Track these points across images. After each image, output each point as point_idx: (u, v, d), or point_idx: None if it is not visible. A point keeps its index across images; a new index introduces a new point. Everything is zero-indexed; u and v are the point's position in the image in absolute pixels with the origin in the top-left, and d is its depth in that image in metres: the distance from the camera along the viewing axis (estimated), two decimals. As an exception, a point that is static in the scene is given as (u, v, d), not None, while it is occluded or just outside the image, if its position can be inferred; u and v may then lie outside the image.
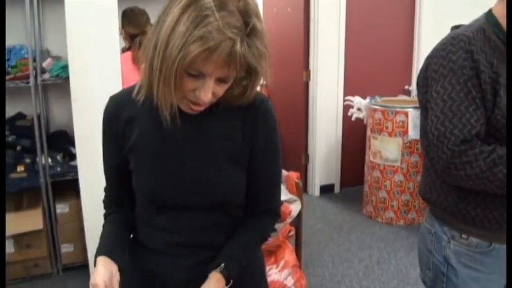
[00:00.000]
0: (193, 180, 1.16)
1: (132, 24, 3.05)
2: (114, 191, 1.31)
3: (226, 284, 1.15)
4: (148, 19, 3.12)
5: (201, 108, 1.09)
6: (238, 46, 0.93)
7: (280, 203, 1.35)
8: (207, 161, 1.16)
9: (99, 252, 1.16)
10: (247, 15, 0.96)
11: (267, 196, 1.28)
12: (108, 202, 1.34)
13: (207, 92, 1.01)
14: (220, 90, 1.05)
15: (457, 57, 1.32)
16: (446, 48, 1.35)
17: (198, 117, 1.13)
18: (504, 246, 1.40)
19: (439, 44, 1.41)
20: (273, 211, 1.31)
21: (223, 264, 1.16)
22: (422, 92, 1.45)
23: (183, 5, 0.93)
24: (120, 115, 1.19)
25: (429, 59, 1.43)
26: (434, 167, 1.37)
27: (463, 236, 1.43)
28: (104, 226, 1.29)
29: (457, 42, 1.33)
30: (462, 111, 1.29)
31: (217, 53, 0.93)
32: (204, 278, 1.15)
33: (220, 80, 1.02)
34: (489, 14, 1.39)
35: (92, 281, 1.07)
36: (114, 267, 1.13)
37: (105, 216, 1.33)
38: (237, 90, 1.10)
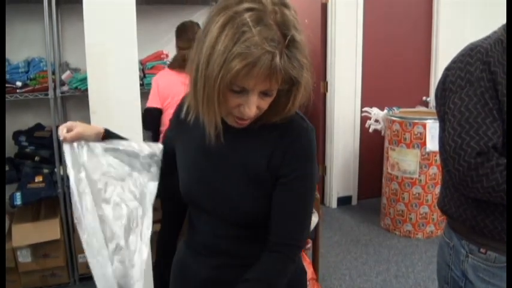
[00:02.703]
0: (216, 191, 1.21)
1: (181, 38, 3.06)
2: None
3: None
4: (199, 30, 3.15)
5: (247, 122, 1.11)
6: (277, 59, 0.94)
7: (297, 244, 1.19)
8: (229, 176, 1.19)
9: None
10: (285, 27, 0.97)
11: (278, 228, 1.17)
12: None
13: (252, 107, 1.03)
14: (265, 103, 1.06)
15: (475, 69, 1.31)
16: (464, 60, 1.35)
17: (236, 133, 1.15)
18: None
19: (457, 55, 1.40)
20: (283, 250, 1.17)
21: None
22: (440, 104, 1.44)
23: (220, 25, 0.96)
24: (179, 115, 1.27)
25: (447, 70, 1.42)
26: (452, 180, 1.36)
27: (481, 250, 1.41)
28: None
29: (475, 54, 1.32)
30: (479, 123, 1.28)
31: (257, 68, 0.94)
32: (221, 280, 1.23)
33: (263, 94, 1.03)
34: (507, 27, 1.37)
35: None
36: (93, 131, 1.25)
37: None
38: (280, 103, 1.10)
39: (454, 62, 1.40)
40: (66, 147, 1.20)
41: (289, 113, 1.13)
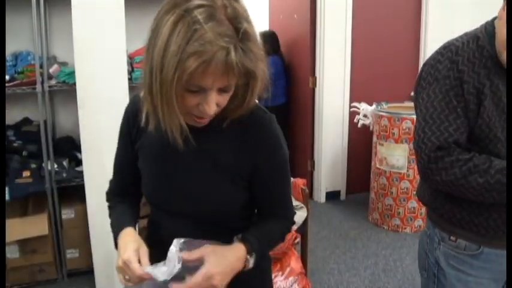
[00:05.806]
0: (185, 188, 1.21)
1: None
2: (118, 184, 1.38)
3: (248, 253, 1.17)
4: None
5: (207, 121, 1.10)
6: (233, 54, 0.93)
7: (293, 211, 1.35)
8: (200, 175, 1.19)
9: (119, 229, 1.21)
10: (236, 21, 0.96)
11: (275, 208, 1.30)
12: (111, 195, 1.40)
13: (211, 105, 1.02)
14: (223, 99, 1.05)
15: (443, 67, 1.36)
16: (436, 58, 1.40)
17: (202, 132, 1.14)
18: (494, 251, 1.41)
19: (433, 53, 1.45)
20: (285, 216, 1.32)
21: (240, 235, 1.20)
22: (415, 98, 1.50)
23: (170, 24, 0.93)
24: (137, 115, 1.21)
25: (423, 66, 1.47)
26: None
27: (452, 238, 1.46)
28: (111, 215, 1.35)
29: (446, 52, 1.37)
30: (442, 119, 1.33)
31: (213, 65, 0.93)
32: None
33: (222, 90, 1.02)
34: (489, 24, 1.39)
35: (122, 256, 1.10)
36: (139, 239, 1.17)
37: (110, 207, 1.39)
38: (239, 97, 1.09)
39: (429, 58, 1.45)
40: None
41: (248, 106, 1.12)
